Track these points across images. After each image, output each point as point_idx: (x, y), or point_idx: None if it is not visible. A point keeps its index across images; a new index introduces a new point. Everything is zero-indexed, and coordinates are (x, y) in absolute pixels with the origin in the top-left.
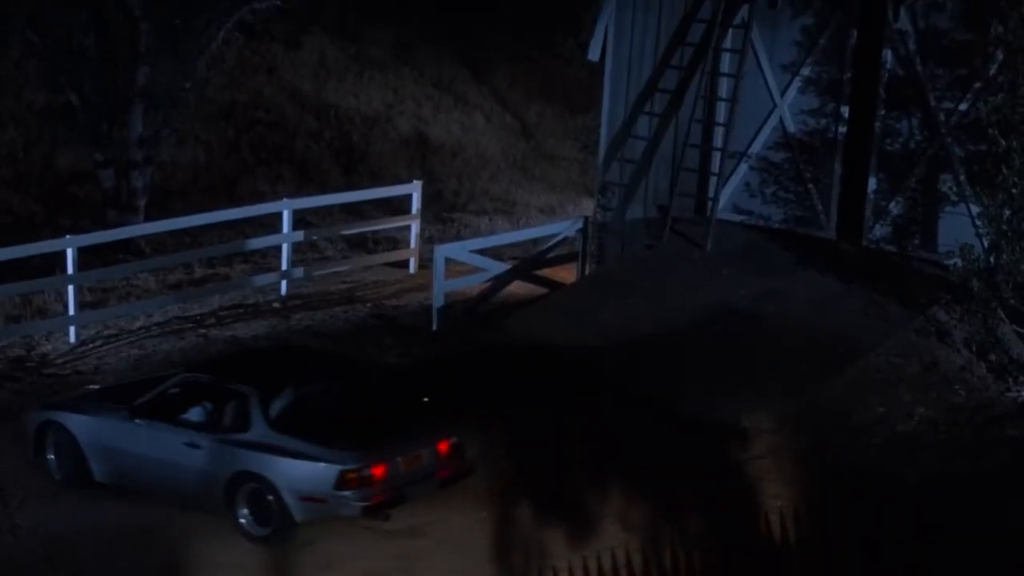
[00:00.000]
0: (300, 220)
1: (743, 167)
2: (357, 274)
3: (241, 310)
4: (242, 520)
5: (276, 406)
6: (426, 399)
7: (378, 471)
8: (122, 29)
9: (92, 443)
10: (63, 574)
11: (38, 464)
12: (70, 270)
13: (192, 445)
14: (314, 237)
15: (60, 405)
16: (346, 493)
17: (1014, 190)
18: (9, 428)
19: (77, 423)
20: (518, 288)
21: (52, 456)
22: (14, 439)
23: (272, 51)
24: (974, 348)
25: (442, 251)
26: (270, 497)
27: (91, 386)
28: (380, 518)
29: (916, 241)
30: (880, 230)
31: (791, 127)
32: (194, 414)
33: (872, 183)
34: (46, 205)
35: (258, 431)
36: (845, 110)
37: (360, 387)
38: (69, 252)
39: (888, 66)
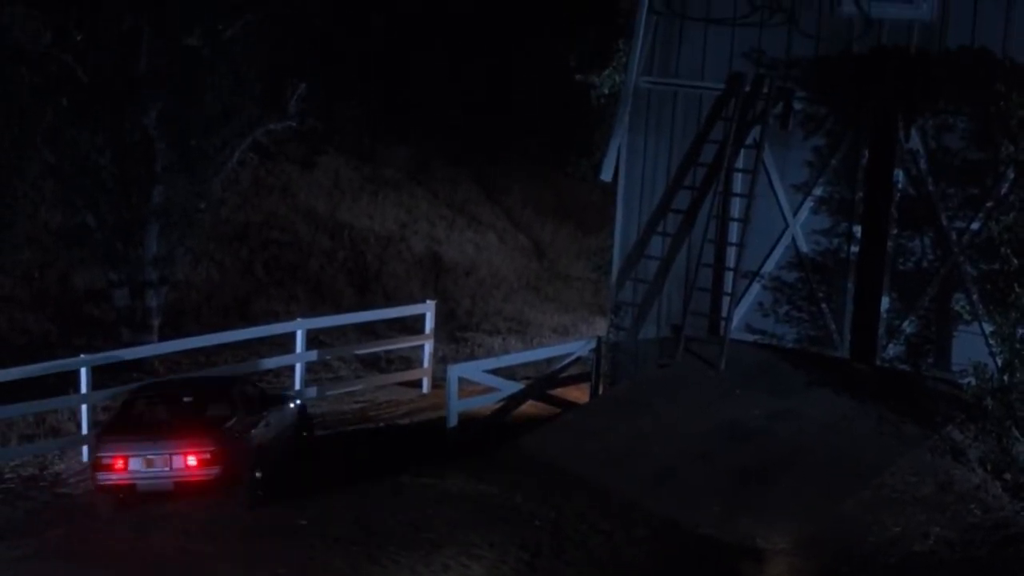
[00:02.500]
0: (313, 340)
1: (756, 287)
2: (370, 393)
3: None
4: None
5: (129, 410)
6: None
7: (117, 462)
8: (138, 149)
9: None
10: None
11: None
12: (84, 389)
13: None
14: (327, 357)
15: None
16: (96, 473)
17: None
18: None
19: None
20: (531, 408)
21: None
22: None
23: (287, 171)
24: (989, 467)
25: (455, 371)
26: None
27: None
28: (117, 496)
29: (930, 360)
30: (894, 349)
31: (803, 247)
32: None
33: (885, 302)
34: (61, 324)
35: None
36: (857, 230)
37: (178, 405)
38: (83, 371)
39: (900, 186)
